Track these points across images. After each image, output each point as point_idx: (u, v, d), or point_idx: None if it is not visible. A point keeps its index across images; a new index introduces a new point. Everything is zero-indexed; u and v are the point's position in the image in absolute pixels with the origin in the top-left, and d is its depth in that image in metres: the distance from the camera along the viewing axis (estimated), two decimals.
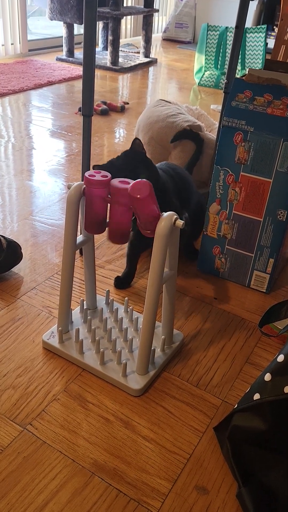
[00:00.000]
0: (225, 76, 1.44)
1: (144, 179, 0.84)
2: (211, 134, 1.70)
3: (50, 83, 3.07)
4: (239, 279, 1.30)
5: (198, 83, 3.42)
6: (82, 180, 1.04)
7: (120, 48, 3.85)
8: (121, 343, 1.05)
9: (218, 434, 0.87)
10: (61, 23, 3.53)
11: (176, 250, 0.95)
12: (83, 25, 1.09)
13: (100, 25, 3.90)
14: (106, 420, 0.89)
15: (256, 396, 0.76)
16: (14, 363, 1.00)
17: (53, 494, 0.77)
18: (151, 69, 3.80)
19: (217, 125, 1.80)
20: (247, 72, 1.10)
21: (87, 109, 1.18)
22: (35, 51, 3.84)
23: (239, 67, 3.34)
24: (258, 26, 3.26)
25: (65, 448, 0.84)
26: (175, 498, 0.78)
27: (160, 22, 5.29)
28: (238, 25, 1.38)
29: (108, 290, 1.16)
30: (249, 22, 4.31)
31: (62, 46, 3.72)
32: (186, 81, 3.51)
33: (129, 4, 4.54)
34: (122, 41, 4.45)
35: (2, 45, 3.57)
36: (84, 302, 1.14)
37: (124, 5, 4.26)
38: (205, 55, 3.35)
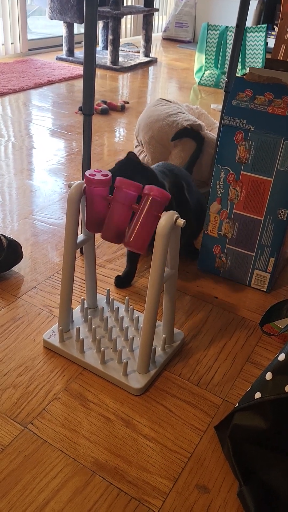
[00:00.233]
0: (225, 75, 1.44)
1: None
2: (212, 133, 1.70)
3: (50, 83, 3.07)
4: (240, 278, 1.30)
5: (198, 83, 3.42)
6: (83, 179, 1.04)
7: (120, 48, 3.85)
8: (122, 342, 1.05)
9: (219, 433, 0.87)
10: (61, 22, 3.53)
11: (177, 249, 0.95)
12: (83, 24, 1.09)
13: (100, 24, 3.89)
14: (107, 419, 0.89)
15: (257, 395, 0.76)
16: (15, 362, 1.00)
17: (54, 493, 0.77)
18: (151, 68, 3.80)
19: (218, 124, 1.80)
20: (247, 71, 1.10)
21: (88, 108, 1.18)
22: (35, 51, 3.83)
23: (239, 67, 3.34)
24: (258, 26, 3.26)
25: (66, 447, 0.84)
26: (176, 497, 0.78)
27: (160, 21, 5.28)
28: (239, 24, 1.37)
29: (109, 289, 1.16)
30: (249, 21, 4.30)
31: (62, 45, 3.72)
32: (186, 80, 3.51)
33: (129, 4, 4.54)
34: (122, 40, 4.45)
35: (2, 45, 3.57)
36: (85, 301, 1.14)
37: (124, 4, 4.26)
38: (205, 55, 3.35)
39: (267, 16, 4.60)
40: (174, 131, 1.61)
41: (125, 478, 0.80)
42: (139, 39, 4.07)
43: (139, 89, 3.19)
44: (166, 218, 0.86)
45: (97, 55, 3.70)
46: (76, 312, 1.12)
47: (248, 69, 3.18)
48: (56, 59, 3.68)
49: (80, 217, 0.97)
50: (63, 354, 1.02)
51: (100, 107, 2.60)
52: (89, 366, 0.99)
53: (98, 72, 3.48)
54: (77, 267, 1.29)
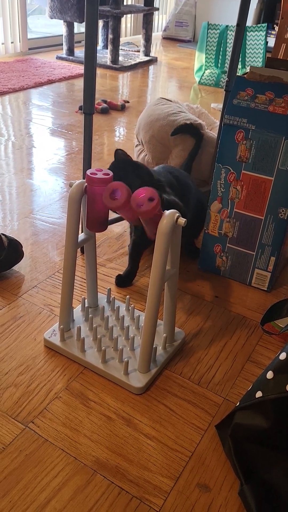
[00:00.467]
0: (226, 74, 1.44)
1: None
2: (212, 132, 1.70)
3: (50, 82, 3.07)
4: (240, 277, 1.30)
5: (199, 82, 3.42)
6: (84, 178, 1.04)
7: (120, 47, 3.84)
8: (123, 341, 1.05)
9: (220, 432, 0.87)
10: (61, 21, 3.53)
11: (178, 248, 0.95)
12: (83, 23, 1.09)
13: (100, 23, 3.89)
14: (108, 418, 0.90)
15: (258, 394, 0.76)
16: (16, 361, 1.00)
17: (55, 492, 0.77)
18: (151, 67, 3.80)
19: (218, 123, 1.80)
20: (247, 71, 1.10)
21: (88, 107, 1.18)
22: (35, 50, 3.83)
23: (239, 66, 3.33)
24: (259, 25, 3.26)
25: (67, 446, 0.84)
26: (177, 496, 0.78)
27: (160, 20, 5.28)
28: (239, 23, 1.37)
29: (110, 289, 1.16)
30: (249, 20, 4.30)
31: (62, 44, 3.72)
32: (186, 79, 3.51)
33: (129, 3, 4.54)
34: (122, 39, 4.44)
35: (2, 44, 3.56)
36: (86, 300, 1.14)
37: (124, 3, 4.26)
38: (206, 54, 3.35)
39: (267, 15, 4.60)
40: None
41: (126, 477, 0.80)
42: (139, 38, 4.07)
43: (139, 88, 3.19)
44: (168, 217, 0.86)
45: (97, 54, 3.70)
46: (77, 311, 1.12)
47: (248, 68, 3.18)
48: (56, 58, 3.68)
49: (81, 216, 0.97)
50: (64, 353, 1.02)
51: (101, 106, 2.60)
52: (90, 365, 0.99)
53: (98, 71, 3.48)
54: (77, 266, 1.29)
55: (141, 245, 1.25)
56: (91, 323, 1.08)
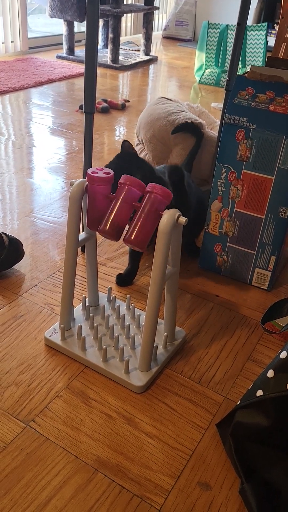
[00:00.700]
0: (226, 74, 1.44)
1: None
2: (212, 131, 1.70)
3: (50, 81, 3.07)
4: (241, 276, 1.30)
5: (199, 81, 3.42)
6: (84, 177, 1.04)
7: (120, 46, 3.84)
8: (123, 340, 1.05)
9: (220, 431, 0.87)
10: (61, 20, 3.52)
11: (178, 247, 0.95)
12: (84, 22, 1.09)
13: (100, 22, 3.89)
14: (108, 416, 0.90)
15: (259, 393, 0.76)
16: (17, 360, 1.00)
17: (56, 490, 0.77)
18: (151, 67, 3.80)
19: (218, 122, 1.80)
20: (248, 70, 1.10)
21: (89, 107, 1.18)
22: (35, 49, 3.83)
23: (239, 65, 3.33)
24: (259, 24, 3.26)
25: (68, 444, 0.84)
26: (178, 494, 0.78)
27: (161, 20, 5.28)
28: (240, 22, 1.37)
29: (110, 288, 1.16)
30: (249, 20, 4.29)
31: (62, 44, 3.72)
32: (186, 79, 3.50)
33: (130, 2, 4.54)
34: (123, 39, 4.44)
35: (2, 43, 3.56)
36: (86, 299, 1.14)
37: (125, 2, 4.26)
38: (206, 53, 3.35)
39: (268, 15, 4.60)
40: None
41: (127, 476, 0.80)
42: (140, 38, 4.07)
43: (140, 87, 3.19)
44: (168, 216, 0.86)
45: (97, 53, 3.70)
46: (78, 310, 1.13)
47: (248, 67, 3.18)
48: (57, 57, 3.68)
49: (81, 215, 0.97)
50: (65, 352, 1.02)
51: (101, 106, 2.60)
52: (91, 364, 0.99)
53: (99, 70, 3.48)
54: (78, 265, 1.29)
55: None
56: (92, 322, 1.08)
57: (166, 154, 1.66)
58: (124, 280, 1.26)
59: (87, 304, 1.14)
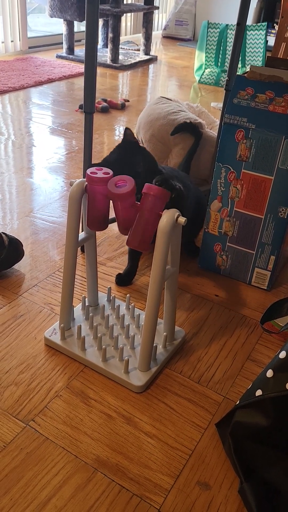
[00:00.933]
0: (226, 73, 1.44)
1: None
2: (212, 131, 1.70)
3: (50, 81, 3.07)
4: (240, 276, 1.30)
5: (199, 81, 3.42)
6: (84, 177, 1.04)
7: (120, 46, 3.84)
8: (123, 340, 1.05)
9: (220, 430, 0.88)
10: (61, 20, 3.52)
11: (178, 247, 0.95)
12: (83, 22, 1.09)
13: (100, 22, 3.89)
14: (108, 416, 0.90)
15: (258, 392, 0.76)
16: (16, 360, 1.00)
17: (56, 489, 0.77)
18: (151, 66, 3.80)
19: (218, 122, 1.80)
20: (247, 70, 1.10)
21: (89, 106, 1.18)
22: (35, 49, 3.83)
23: (239, 65, 3.33)
24: (259, 24, 3.26)
25: (68, 444, 0.84)
26: (178, 493, 0.78)
27: (160, 19, 5.28)
28: (240, 22, 1.37)
29: (110, 287, 1.16)
30: (249, 19, 4.28)
31: (62, 43, 3.71)
32: (186, 78, 3.50)
33: (129, 1, 4.53)
34: (122, 38, 4.44)
35: (2, 43, 3.56)
36: (86, 299, 1.14)
37: (124, 2, 4.26)
38: (206, 53, 3.35)
39: (267, 14, 4.60)
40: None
41: (126, 475, 0.80)
42: (139, 37, 4.07)
43: (139, 87, 3.19)
44: (168, 216, 0.86)
45: (97, 53, 3.70)
46: (77, 310, 1.13)
47: (248, 67, 3.18)
48: (56, 57, 3.67)
49: (81, 215, 0.97)
50: (65, 351, 1.02)
51: (101, 105, 2.60)
52: (91, 364, 0.99)
53: (98, 70, 3.48)
54: (78, 265, 1.29)
55: None
56: (92, 322, 1.08)
57: (166, 153, 1.66)
58: (124, 280, 1.26)
59: (86, 304, 1.14)
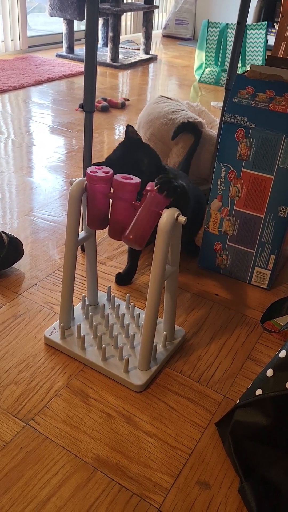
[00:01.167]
0: (226, 73, 1.44)
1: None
2: (212, 130, 1.70)
3: (50, 80, 3.07)
4: (240, 275, 1.30)
5: (199, 80, 3.42)
6: (84, 176, 1.04)
7: (120, 45, 3.84)
8: (123, 339, 1.05)
9: (220, 430, 0.88)
10: (61, 19, 3.52)
11: (178, 246, 0.95)
12: (83, 21, 1.09)
13: (100, 21, 3.89)
14: (108, 415, 0.90)
15: (258, 392, 0.76)
16: (16, 359, 1.00)
17: (55, 489, 0.77)
18: (151, 65, 3.80)
19: (218, 121, 1.80)
20: (247, 69, 1.10)
21: (89, 105, 1.18)
22: (35, 48, 3.83)
23: (239, 64, 3.33)
24: (259, 23, 3.26)
25: (68, 443, 0.84)
26: (177, 493, 0.78)
27: (160, 18, 5.27)
28: (240, 21, 1.37)
29: (110, 287, 1.16)
30: (249, 18, 4.28)
31: (62, 42, 3.71)
32: (186, 77, 3.50)
33: (129, 1, 4.53)
34: (122, 37, 4.44)
35: (2, 42, 3.56)
36: (86, 298, 1.14)
37: (124, 1, 4.25)
38: (206, 52, 3.35)
39: (268, 14, 4.59)
40: (173, 130, 1.61)
41: (126, 474, 0.80)
42: (139, 36, 4.06)
43: (139, 86, 3.18)
44: (168, 215, 0.86)
45: (97, 52, 3.69)
46: (77, 309, 1.13)
47: (248, 66, 3.18)
48: (56, 56, 3.67)
49: (81, 214, 0.97)
50: (64, 351, 1.02)
51: (100, 105, 2.60)
52: (90, 363, 0.99)
53: (98, 69, 3.48)
54: (78, 264, 1.29)
55: None
56: (91, 321, 1.08)
57: (166, 153, 1.66)
58: (124, 279, 1.26)
59: (86, 303, 1.14)
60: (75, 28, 3.65)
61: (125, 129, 1.06)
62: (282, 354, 0.76)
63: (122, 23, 4.33)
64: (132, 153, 1.04)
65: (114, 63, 3.55)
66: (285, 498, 0.75)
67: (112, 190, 0.91)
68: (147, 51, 3.94)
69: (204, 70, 3.39)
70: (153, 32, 4.21)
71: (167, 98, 1.77)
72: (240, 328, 1.14)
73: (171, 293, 1.01)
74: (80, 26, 4.08)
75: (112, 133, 2.30)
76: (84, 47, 1.13)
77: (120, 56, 3.75)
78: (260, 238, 1.22)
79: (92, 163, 1.03)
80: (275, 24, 4.43)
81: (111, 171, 0.91)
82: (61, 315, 1.05)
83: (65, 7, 3.36)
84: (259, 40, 3.28)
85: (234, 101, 1.12)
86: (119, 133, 2.32)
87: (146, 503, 0.76)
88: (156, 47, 4.54)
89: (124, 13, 3.97)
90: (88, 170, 0.90)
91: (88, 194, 0.93)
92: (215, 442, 0.87)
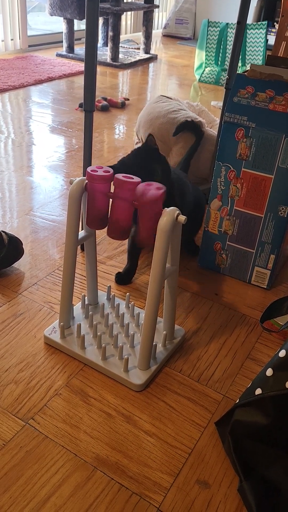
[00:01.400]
0: (226, 72, 1.44)
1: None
2: (212, 130, 1.70)
3: (50, 79, 3.07)
4: (240, 275, 1.30)
5: (199, 80, 3.42)
6: (84, 176, 1.04)
7: (120, 44, 3.84)
8: (123, 338, 1.05)
9: (219, 429, 0.88)
10: (61, 18, 3.52)
11: (178, 246, 0.95)
12: (83, 20, 1.09)
13: (100, 21, 3.88)
14: (108, 415, 0.90)
15: (258, 391, 0.76)
16: (16, 358, 1.00)
17: (55, 488, 0.77)
18: (151, 65, 3.79)
19: (218, 121, 1.80)
20: (247, 68, 1.10)
21: (89, 105, 1.18)
22: (35, 47, 3.82)
23: (239, 63, 3.33)
24: (259, 23, 3.26)
25: (67, 442, 0.84)
26: (177, 492, 0.78)
27: (160, 18, 5.27)
28: (240, 20, 1.37)
29: (110, 286, 1.16)
30: (249, 18, 4.28)
31: (62, 41, 3.71)
32: (186, 77, 3.50)
33: (130, 0, 4.53)
34: (122, 37, 4.44)
35: (2, 41, 3.56)
36: (86, 297, 1.14)
37: (124, 0, 4.25)
38: (206, 51, 3.35)
39: (268, 13, 4.59)
40: (174, 128, 1.61)
41: (126, 474, 0.80)
42: (139, 36, 4.06)
43: (139, 86, 3.18)
44: (168, 215, 0.86)
45: (97, 51, 3.69)
46: (77, 308, 1.13)
47: (248, 66, 3.18)
48: (56, 55, 3.67)
49: (81, 213, 0.97)
50: (64, 350, 1.02)
51: (101, 104, 2.60)
52: (90, 362, 0.99)
53: (98, 68, 3.47)
54: (77, 264, 1.29)
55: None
56: (91, 320, 1.08)
57: (166, 152, 1.66)
58: (123, 278, 1.26)
59: (86, 302, 1.14)
60: (75, 28, 3.64)
61: (146, 137, 1.05)
62: (282, 353, 0.76)
63: (122, 23, 4.32)
64: (147, 161, 1.05)
65: (114, 63, 3.55)
66: (285, 498, 0.75)
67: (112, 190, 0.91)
68: (147, 51, 3.94)
69: (204, 70, 3.39)
70: (153, 31, 4.21)
71: (167, 97, 1.77)
72: (240, 328, 1.14)
73: (171, 292, 1.01)
74: (80, 25, 4.08)
75: (112, 133, 2.30)
76: (84, 47, 1.13)
77: (120, 56, 3.75)
78: (260, 238, 1.22)
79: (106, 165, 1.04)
80: (275, 23, 4.43)
81: (111, 170, 0.91)
82: (61, 314, 1.05)
83: (65, 6, 3.35)
84: (259, 40, 3.28)
85: (234, 100, 1.12)
86: (119, 132, 2.32)
87: (145, 502, 0.76)
88: (156, 46, 4.54)
89: (124, 13, 3.97)
90: (89, 169, 0.90)
91: (88, 193, 0.93)
92: (214, 442, 0.87)
